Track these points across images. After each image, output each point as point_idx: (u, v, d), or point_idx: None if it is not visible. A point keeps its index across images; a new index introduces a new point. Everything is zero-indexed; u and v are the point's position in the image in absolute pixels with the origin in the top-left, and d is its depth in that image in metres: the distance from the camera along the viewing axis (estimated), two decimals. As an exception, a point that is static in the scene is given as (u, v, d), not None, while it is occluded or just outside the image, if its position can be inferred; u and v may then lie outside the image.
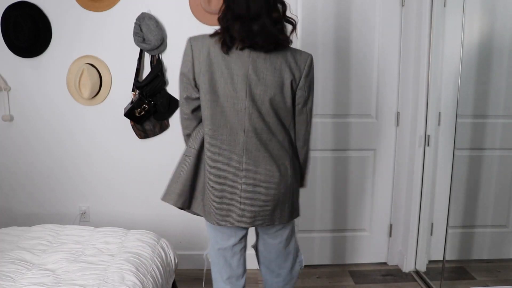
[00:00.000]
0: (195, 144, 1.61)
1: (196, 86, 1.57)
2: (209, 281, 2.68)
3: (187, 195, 1.64)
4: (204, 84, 1.53)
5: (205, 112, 1.56)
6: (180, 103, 1.64)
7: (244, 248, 1.76)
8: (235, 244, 1.71)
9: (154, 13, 2.53)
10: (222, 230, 1.67)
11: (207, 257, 1.82)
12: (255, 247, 1.85)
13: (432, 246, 2.76)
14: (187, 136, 1.67)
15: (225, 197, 1.58)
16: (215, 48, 1.53)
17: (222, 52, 1.52)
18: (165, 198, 1.67)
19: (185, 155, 1.65)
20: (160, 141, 2.69)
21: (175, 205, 1.65)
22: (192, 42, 1.58)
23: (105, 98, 2.63)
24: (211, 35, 1.56)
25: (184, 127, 1.67)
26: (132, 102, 2.57)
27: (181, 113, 1.65)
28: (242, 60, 1.53)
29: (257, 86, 1.53)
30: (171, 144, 2.69)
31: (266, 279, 1.86)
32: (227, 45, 1.51)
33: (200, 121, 1.62)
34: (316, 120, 2.73)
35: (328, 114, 2.74)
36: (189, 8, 2.56)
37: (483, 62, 2.71)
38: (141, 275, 1.67)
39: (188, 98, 1.60)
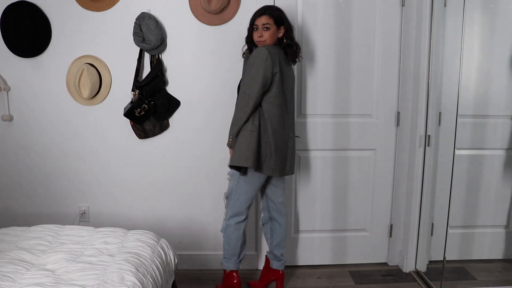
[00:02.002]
0: (256, 123, 2.18)
1: (270, 84, 2.17)
2: (209, 281, 2.69)
3: (257, 158, 2.19)
4: (278, 82, 2.18)
5: (276, 101, 2.19)
6: (253, 97, 2.15)
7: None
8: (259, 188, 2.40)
9: (154, 13, 2.52)
10: (260, 180, 2.33)
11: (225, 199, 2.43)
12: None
13: (432, 246, 2.76)
14: (244, 122, 2.17)
15: (283, 157, 2.27)
16: (281, 55, 2.22)
17: (284, 59, 2.25)
18: (241, 162, 2.19)
19: (250, 131, 2.18)
20: (160, 141, 2.69)
21: (251, 166, 2.19)
22: (270, 50, 2.15)
23: (105, 98, 2.63)
24: (276, 46, 2.24)
25: (248, 114, 2.17)
26: (132, 102, 2.57)
27: (253, 104, 2.16)
28: (290, 66, 2.33)
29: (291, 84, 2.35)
30: (171, 144, 2.70)
31: (276, 224, 2.48)
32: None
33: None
34: (316, 120, 2.74)
35: (328, 114, 2.74)
36: (189, 8, 2.56)
37: (483, 62, 2.71)
38: (141, 275, 1.67)
39: (263, 94, 2.18)
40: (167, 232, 2.62)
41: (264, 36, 2.20)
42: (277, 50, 2.21)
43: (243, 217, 2.37)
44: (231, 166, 2.25)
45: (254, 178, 2.29)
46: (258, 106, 2.19)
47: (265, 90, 2.17)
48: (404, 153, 2.78)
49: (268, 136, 2.20)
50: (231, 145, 2.23)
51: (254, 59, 2.16)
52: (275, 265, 2.52)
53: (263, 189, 2.46)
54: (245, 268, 2.81)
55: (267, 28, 2.19)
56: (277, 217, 2.47)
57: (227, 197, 2.39)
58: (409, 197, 2.76)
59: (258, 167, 2.21)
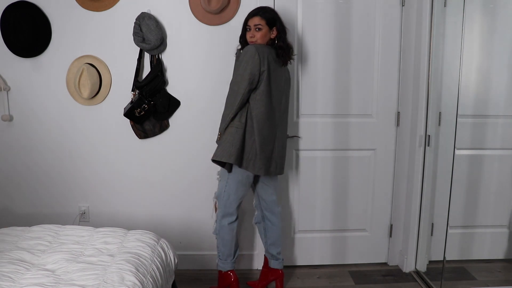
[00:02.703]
0: (242, 120, 2.21)
1: (258, 82, 2.18)
2: (209, 281, 2.69)
3: (240, 155, 2.22)
4: (265, 80, 2.19)
5: (263, 99, 2.20)
6: (240, 93, 2.17)
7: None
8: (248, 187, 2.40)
9: (154, 13, 2.52)
10: (249, 179, 2.33)
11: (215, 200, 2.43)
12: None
13: (432, 246, 2.76)
14: (231, 119, 2.21)
15: (268, 156, 2.27)
16: (272, 55, 2.24)
17: (275, 59, 2.26)
18: (224, 158, 2.20)
19: (236, 127, 2.21)
20: (160, 141, 2.69)
21: (234, 162, 2.21)
22: (258, 48, 2.18)
23: (105, 98, 2.63)
24: (268, 46, 2.26)
25: (235, 111, 2.20)
26: (131, 102, 2.57)
27: (240, 101, 2.18)
28: (283, 68, 2.34)
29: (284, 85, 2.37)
30: (171, 144, 2.70)
31: (268, 223, 2.50)
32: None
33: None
34: (316, 120, 2.74)
35: (328, 114, 2.74)
36: (189, 8, 2.56)
37: (483, 62, 2.71)
38: (141, 276, 1.67)
39: (250, 91, 2.20)
40: (167, 232, 2.62)
41: (256, 37, 2.24)
42: (268, 49, 2.24)
43: (234, 217, 2.38)
44: (213, 161, 2.27)
45: (243, 177, 2.30)
46: (245, 103, 2.22)
47: (252, 87, 2.19)
48: (404, 153, 2.78)
49: (254, 134, 2.22)
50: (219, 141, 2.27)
51: (242, 57, 2.20)
52: (273, 264, 2.53)
53: (254, 187, 2.47)
54: (244, 268, 2.81)
55: (259, 29, 2.24)
56: (269, 216, 2.49)
57: (218, 196, 2.39)
58: (409, 197, 2.76)
59: (241, 164, 2.23)
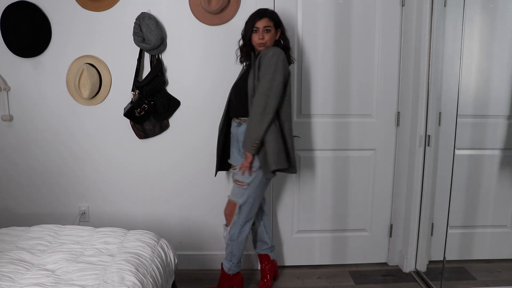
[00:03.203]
0: (277, 124, 2.21)
1: (286, 84, 2.22)
2: (209, 281, 2.68)
3: (288, 159, 2.26)
4: (289, 82, 2.23)
5: (289, 100, 2.24)
6: (276, 97, 2.15)
7: None
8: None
9: (154, 13, 2.52)
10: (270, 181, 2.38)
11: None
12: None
13: (432, 246, 2.76)
14: (269, 124, 2.15)
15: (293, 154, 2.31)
16: (285, 59, 2.23)
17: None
18: (282, 164, 2.21)
19: (276, 132, 2.18)
20: (160, 141, 2.69)
21: (288, 166, 2.24)
22: (282, 51, 2.20)
23: (105, 98, 2.63)
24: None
25: (271, 116, 2.15)
26: (131, 102, 2.57)
27: (277, 105, 2.16)
28: None
29: None
30: (171, 144, 2.70)
31: (266, 217, 2.59)
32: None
33: None
34: (316, 120, 2.74)
35: (328, 114, 2.74)
36: (189, 8, 2.56)
37: (483, 62, 2.71)
38: (141, 276, 1.67)
39: (283, 95, 2.21)
40: (167, 232, 2.62)
41: (265, 38, 2.21)
42: None
43: (253, 220, 2.42)
44: (274, 171, 2.19)
45: (268, 180, 2.33)
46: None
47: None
48: (404, 153, 2.78)
49: (285, 135, 2.25)
50: (255, 150, 2.15)
51: (270, 59, 2.15)
52: (272, 255, 2.62)
53: None
54: (245, 268, 2.81)
55: (268, 31, 2.21)
56: (266, 209, 2.60)
57: (242, 205, 2.29)
58: (409, 197, 2.76)
59: (290, 166, 2.28)
